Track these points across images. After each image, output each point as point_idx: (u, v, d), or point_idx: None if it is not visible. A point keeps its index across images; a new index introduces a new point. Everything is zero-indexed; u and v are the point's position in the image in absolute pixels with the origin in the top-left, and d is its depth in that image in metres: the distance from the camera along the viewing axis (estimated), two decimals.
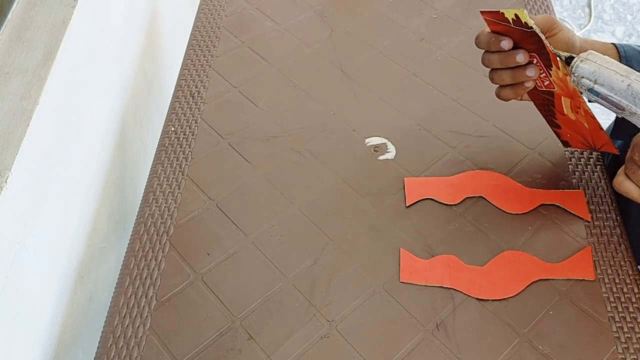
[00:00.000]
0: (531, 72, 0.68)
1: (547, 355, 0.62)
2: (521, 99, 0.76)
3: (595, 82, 0.63)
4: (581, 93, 0.66)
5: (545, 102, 0.73)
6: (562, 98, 0.70)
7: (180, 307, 0.68)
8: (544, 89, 0.71)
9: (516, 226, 0.73)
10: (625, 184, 0.62)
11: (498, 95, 0.73)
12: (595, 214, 0.74)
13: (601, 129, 0.70)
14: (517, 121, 0.85)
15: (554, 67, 0.66)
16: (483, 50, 0.71)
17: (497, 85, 0.73)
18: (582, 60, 0.64)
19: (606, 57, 0.64)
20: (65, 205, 0.77)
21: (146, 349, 0.64)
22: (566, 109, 0.71)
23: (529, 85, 0.70)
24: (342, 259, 0.71)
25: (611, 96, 0.63)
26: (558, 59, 0.66)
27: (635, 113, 0.62)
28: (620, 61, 0.71)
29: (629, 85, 0.61)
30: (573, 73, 0.64)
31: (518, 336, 0.64)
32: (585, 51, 0.65)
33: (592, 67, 0.63)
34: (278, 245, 0.73)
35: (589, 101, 0.68)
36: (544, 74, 0.69)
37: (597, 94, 0.63)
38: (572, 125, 0.74)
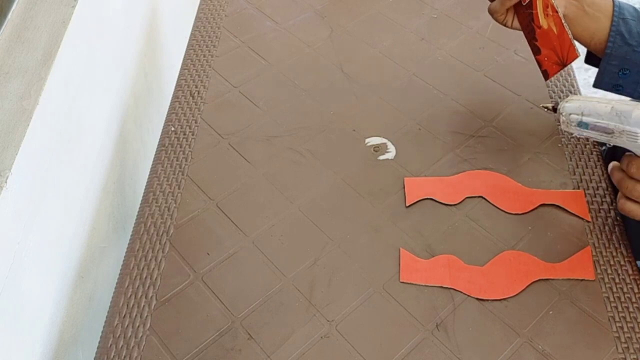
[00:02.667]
0: None
1: (547, 355, 0.62)
2: (512, 27, 0.80)
3: (582, 114, 0.70)
4: (571, 134, 0.75)
5: (528, 20, 0.78)
6: (537, 3, 0.75)
7: (180, 307, 0.68)
8: (526, 1, 0.76)
9: (516, 226, 0.73)
10: (627, 205, 0.66)
11: (489, 10, 0.79)
12: (596, 213, 0.74)
13: (566, 31, 0.74)
14: (517, 122, 0.85)
15: None
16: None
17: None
18: (567, 101, 0.72)
19: (586, 95, 0.71)
20: (65, 205, 0.77)
21: (146, 349, 0.64)
22: (541, 18, 0.76)
23: None
24: (342, 259, 0.71)
25: (599, 122, 0.68)
26: (544, 109, 0.79)
27: (623, 130, 0.66)
28: (614, 9, 0.74)
29: (612, 107, 0.66)
30: (561, 114, 0.72)
31: (518, 336, 0.64)
32: None
33: (576, 103, 0.71)
34: (278, 245, 0.73)
35: (579, 137, 0.81)
36: None
37: (586, 125, 0.70)
38: (546, 39, 0.78)
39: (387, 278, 0.69)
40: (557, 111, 0.74)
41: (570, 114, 0.71)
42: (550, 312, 0.65)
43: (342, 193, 0.78)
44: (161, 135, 0.86)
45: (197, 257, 0.72)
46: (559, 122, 0.73)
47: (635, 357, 0.62)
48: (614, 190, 0.77)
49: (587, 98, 0.70)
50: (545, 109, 0.79)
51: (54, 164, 0.72)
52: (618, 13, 0.74)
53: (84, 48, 0.81)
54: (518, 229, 0.73)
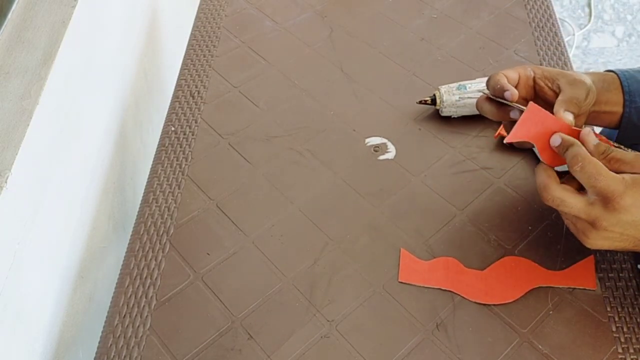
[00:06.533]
0: None
1: (547, 355, 0.62)
2: None
3: (459, 85, 0.85)
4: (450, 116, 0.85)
5: None
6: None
7: (180, 307, 0.68)
8: None
9: (516, 226, 0.73)
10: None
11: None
12: None
13: None
14: None
15: None
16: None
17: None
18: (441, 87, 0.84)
19: None
20: (65, 205, 0.77)
21: (146, 349, 0.64)
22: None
23: None
24: (342, 259, 0.71)
25: (474, 82, 0.84)
26: (423, 103, 0.85)
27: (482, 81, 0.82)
28: (624, 96, 0.70)
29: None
30: (442, 94, 0.84)
31: (518, 336, 0.64)
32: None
33: (452, 84, 0.85)
34: (278, 245, 0.73)
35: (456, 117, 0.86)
36: None
37: (465, 87, 0.84)
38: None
39: (387, 278, 0.69)
40: (436, 97, 0.83)
41: (449, 87, 0.83)
42: (550, 312, 0.65)
43: (342, 193, 0.78)
44: (161, 135, 0.86)
45: (197, 257, 0.72)
46: (440, 108, 0.84)
47: (635, 357, 0.62)
48: None
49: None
50: (424, 102, 0.84)
51: (54, 164, 0.72)
52: (629, 102, 0.70)
53: (84, 48, 0.81)
54: (518, 229, 0.73)
